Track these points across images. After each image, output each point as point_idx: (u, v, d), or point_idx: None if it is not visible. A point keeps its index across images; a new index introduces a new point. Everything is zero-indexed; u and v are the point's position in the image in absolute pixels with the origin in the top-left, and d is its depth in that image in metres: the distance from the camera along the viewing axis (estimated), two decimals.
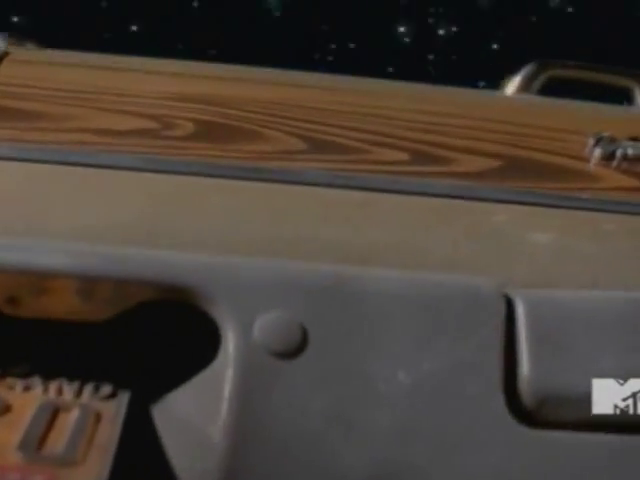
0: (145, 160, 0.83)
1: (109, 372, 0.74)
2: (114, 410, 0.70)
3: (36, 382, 0.72)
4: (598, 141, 0.91)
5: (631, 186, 0.88)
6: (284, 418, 0.68)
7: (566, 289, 0.77)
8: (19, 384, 0.72)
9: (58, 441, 0.66)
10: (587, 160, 0.89)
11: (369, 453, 0.68)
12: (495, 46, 1.98)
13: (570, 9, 2.07)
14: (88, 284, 0.71)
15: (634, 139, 0.92)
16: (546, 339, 0.72)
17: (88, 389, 0.72)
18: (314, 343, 0.69)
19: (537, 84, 1.15)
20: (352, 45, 2.04)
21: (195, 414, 0.70)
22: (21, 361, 0.74)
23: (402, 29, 2.10)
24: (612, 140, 0.91)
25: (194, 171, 0.82)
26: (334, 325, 0.70)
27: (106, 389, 0.72)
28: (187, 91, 0.91)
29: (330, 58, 2.02)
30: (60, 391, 0.72)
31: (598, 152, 0.89)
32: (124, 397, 0.71)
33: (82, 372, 0.73)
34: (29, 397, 0.71)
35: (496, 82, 1.16)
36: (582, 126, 0.93)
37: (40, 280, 0.71)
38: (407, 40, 2.08)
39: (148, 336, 0.75)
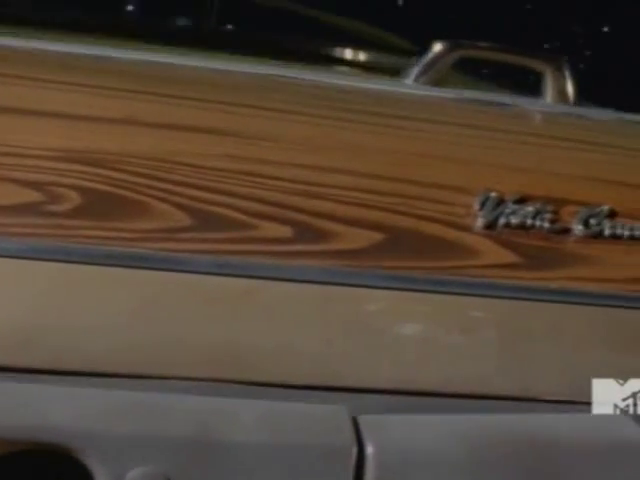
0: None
1: None
2: None
3: None
4: (483, 204, 0.93)
5: (510, 262, 0.92)
6: None
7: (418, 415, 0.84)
8: None
9: None
10: (469, 229, 0.92)
11: None
12: None
13: None
14: None
15: (521, 200, 0.94)
16: None
17: None
18: None
19: (445, 66, 1.13)
20: None
21: None
22: None
23: None
24: (498, 202, 0.93)
25: (74, 259, 0.84)
26: (199, 477, 0.77)
27: None
28: (71, 146, 0.88)
29: None
30: None
31: (481, 221, 0.92)
32: None
33: None
34: None
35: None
36: (473, 178, 0.95)
37: None
38: None
39: None
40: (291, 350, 0.86)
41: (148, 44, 1.19)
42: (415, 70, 1.14)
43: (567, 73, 1.17)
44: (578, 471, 0.85)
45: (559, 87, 1.18)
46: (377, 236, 0.89)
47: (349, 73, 1.21)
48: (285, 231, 0.88)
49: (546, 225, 0.93)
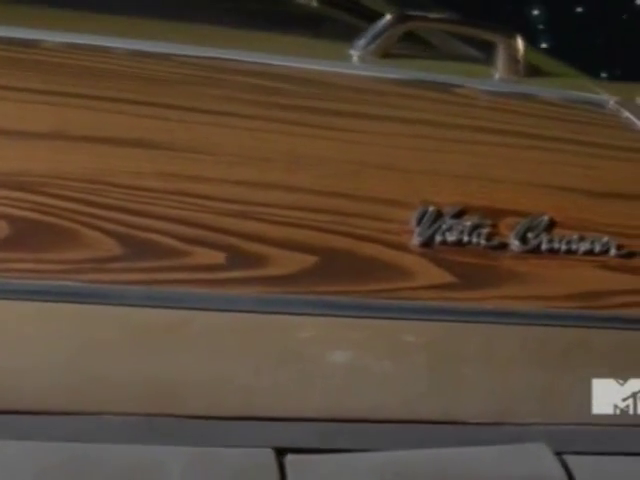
0: None
1: None
2: None
3: None
4: (420, 220, 0.93)
5: (444, 282, 0.93)
6: None
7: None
8: None
9: None
10: (405, 248, 0.93)
11: None
12: None
13: None
14: None
15: (459, 213, 0.95)
16: None
17: None
18: None
19: (394, 37, 1.11)
20: None
21: None
22: None
23: None
24: (436, 217, 0.94)
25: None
26: None
27: None
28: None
29: None
30: None
31: (417, 240, 0.93)
32: None
33: None
34: None
35: None
36: (410, 189, 0.95)
37: None
38: None
39: None
40: (221, 382, 0.88)
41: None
42: (362, 41, 1.12)
43: (519, 44, 1.15)
44: None
45: (510, 58, 1.16)
46: (310, 259, 0.90)
47: (298, 42, 1.17)
48: (217, 257, 0.88)
49: (483, 242, 0.94)
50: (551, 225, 0.97)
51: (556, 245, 0.96)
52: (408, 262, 0.93)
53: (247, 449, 0.85)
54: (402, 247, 0.93)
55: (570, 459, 0.93)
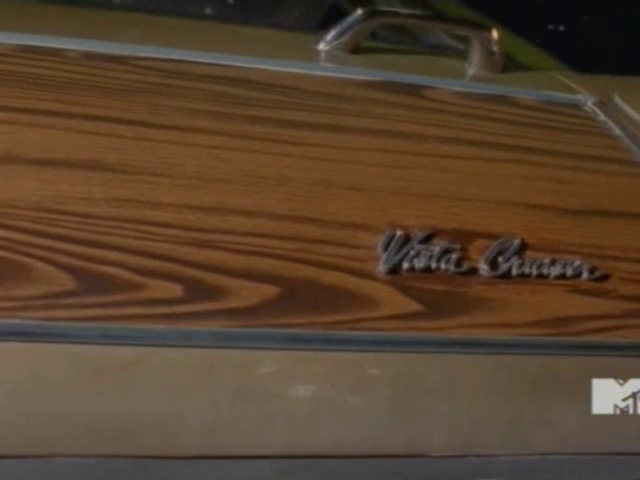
0: None
1: None
2: None
3: None
4: (387, 246, 0.91)
5: (410, 311, 0.91)
6: None
7: None
8: None
9: None
10: (371, 276, 0.91)
11: None
12: None
13: None
14: None
15: (428, 238, 0.93)
16: None
17: None
18: None
19: (363, 33, 1.08)
20: None
21: None
22: None
23: None
24: (403, 242, 0.92)
25: None
26: None
27: None
28: None
29: None
30: None
31: (383, 267, 0.91)
32: None
33: None
34: None
35: None
36: (377, 211, 0.93)
37: None
38: None
39: None
40: (179, 420, 0.86)
41: None
42: (331, 36, 1.09)
43: (494, 38, 1.12)
44: None
45: (485, 53, 1.13)
46: (272, 291, 0.88)
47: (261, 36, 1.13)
48: (174, 290, 0.86)
49: (451, 267, 0.93)
50: (522, 248, 0.95)
51: (527, 270, 0.95)
52: (373, 291, 0.91)
53: None
54: (368, 275, 0.91)
55: None
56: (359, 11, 1.07)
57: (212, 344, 0.86)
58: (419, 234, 0.92)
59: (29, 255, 0.83)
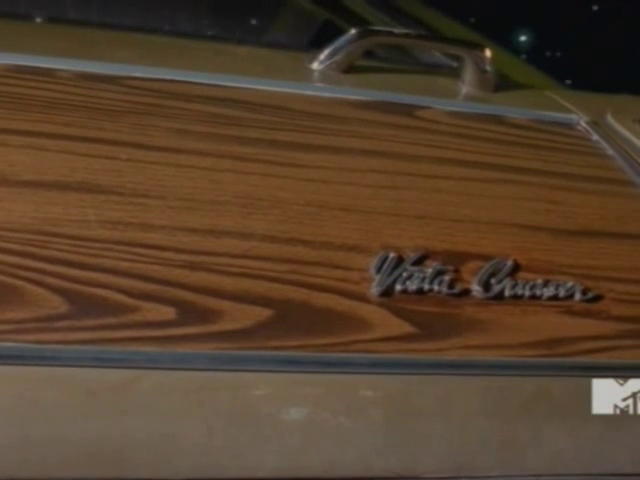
0: None
1: None
2: None
3: None
4: (380, 268, 0.92)
5: (403, 333, 0.92)
6: None
7: None
8: None
9: None
10: (364, 298, 0.92)
11: None
12: None
13: None
14: None
15: (421, 259, 0.94)
16: None
17: None
18: None
19: (355, 54, 1.10)
20: None
21: None
22: None
23: None
24: (396, 264, 0.93)
25: None
26: None
27: None
28: None
29: None
30: None
31: (376, 290, 0.92)
32: None
33: None
34: None
35: None
36: (370, 232, 0.94)
37: None
38: None
39: None
40: (172, 443, 0.87)
41: None
42: (324, 55, 1.11)
43: (487, 56, 1.13)
44: None
45: (478, 72, 1.14)
46: (265, 313, 0.89)
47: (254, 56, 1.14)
48: (167, 313, 0.87)
49: (444, 289, 0.94)
50: (515, 269, 0.96)
51: (519, 291, 0.96)
52: (366, 313, 0.92)
53: None
54: (361, 297, 0.92)
55: None
56: (352, 30, 1.09)
57: (205, 367, 0.87)
58: (412, 256, 0.94)
59: (21, 278, 0.84)
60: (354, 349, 0.91)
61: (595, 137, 1.11)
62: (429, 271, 0.94)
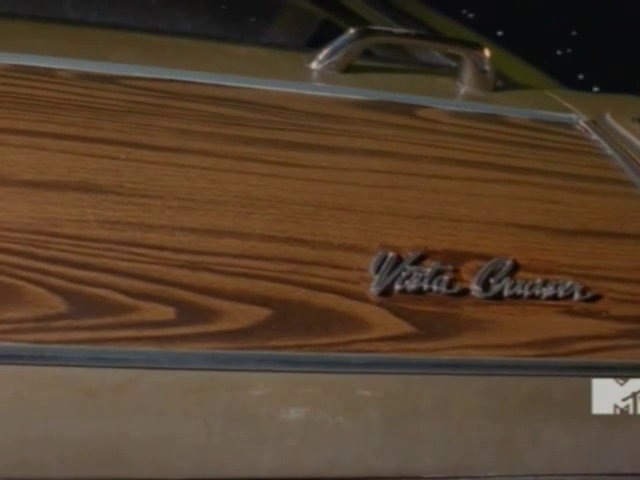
0: None
1: None
2: None
3: None
4: (379, 267, 0.93)
5: (402, 333, 0.93)
6: None
7: None
8: None
9: None
10: (363, 298, 0.92)
11: None
12: None
13: None
14: None
15: (420, 259, 0.94)
16: None
17: None
18: None
19: (354, 54, 1.11)
20: None
21: None
22: None
23: None
24: (395, 263, 0.94)
25: None
26: None
27: None
28: None
29: None
30: None
31: (375, 289, 0.92)
32: None
33: None
34: None
35: None
36: (369, 232, 0.94)
37: None
38: None
39: None
40: (171, 442, 0.88)
41: None
42: (322, 55, 1.11)
43: (486, 56, 1.14)
44: None
45: (477, 71, 1.15)
46: (265, 313, 0.90)
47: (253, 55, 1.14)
48: (166, 313, 0.87)
49: (443, 289, 0.94)
50: (514, 269, 0.97)
51: (519, 290, 0.96)
52: (365, 312, 0.92)
53: None
54: (360, 297, 0.93)
55: None
56: (351, 30, 1.09)
57: (204, 367, 0.88)
58: (411, 255, 0.94)
59: (20, 277, 0.85)
60: (353, 349, 0.92)
61: (594, 137, 1.11)
62: (428, 271, 0.94)
